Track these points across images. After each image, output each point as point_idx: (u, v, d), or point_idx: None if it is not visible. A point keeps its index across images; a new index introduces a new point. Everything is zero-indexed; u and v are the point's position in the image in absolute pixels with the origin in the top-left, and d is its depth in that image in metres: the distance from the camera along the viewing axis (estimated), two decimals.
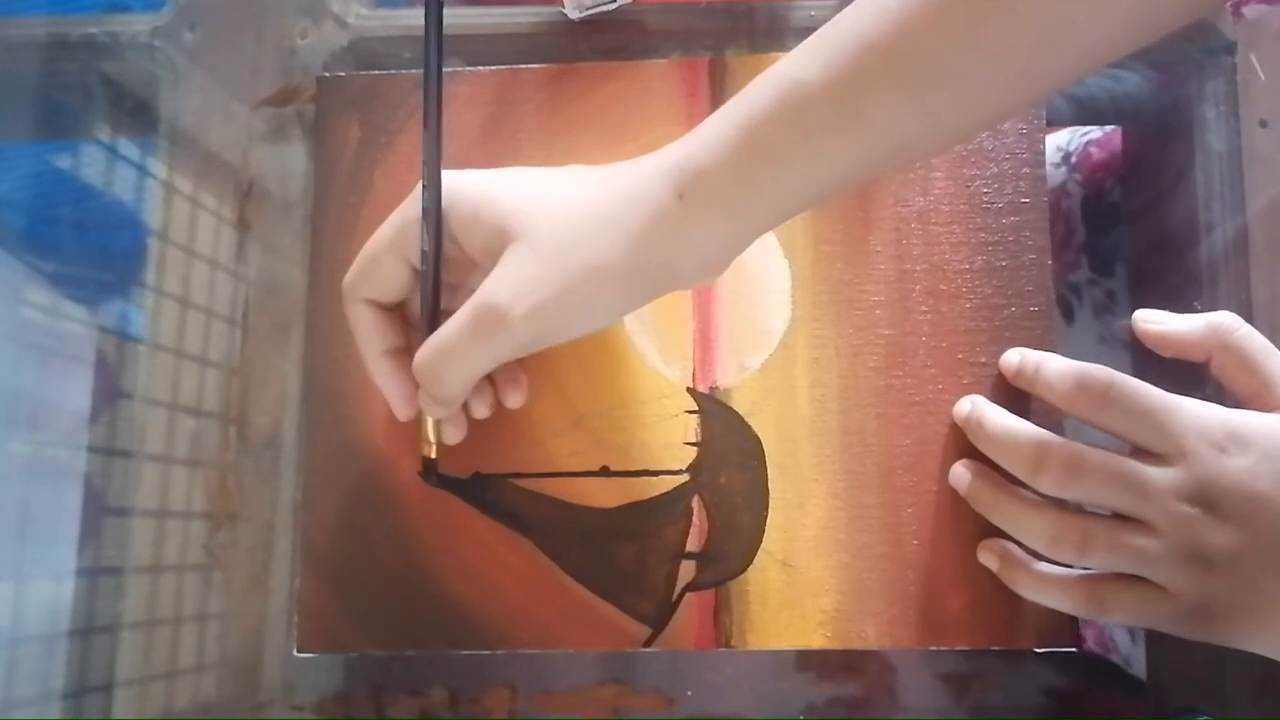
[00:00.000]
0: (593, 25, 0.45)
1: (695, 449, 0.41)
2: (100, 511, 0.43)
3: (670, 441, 0.41)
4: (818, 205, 0.35)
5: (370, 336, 0.38)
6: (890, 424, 0.41)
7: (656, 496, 0.41)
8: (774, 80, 0.32)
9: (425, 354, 0.35)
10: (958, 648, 0.40)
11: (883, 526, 0.40)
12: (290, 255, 0.44)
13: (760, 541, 0.40)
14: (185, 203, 0.45)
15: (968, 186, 0.42)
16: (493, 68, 0.44)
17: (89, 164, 0.48)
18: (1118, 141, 0.50)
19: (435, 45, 0.35)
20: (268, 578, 0.42)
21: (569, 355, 0.42)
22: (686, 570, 0.40)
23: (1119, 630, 0.43)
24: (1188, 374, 0.39)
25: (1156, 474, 0.34)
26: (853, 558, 0.40)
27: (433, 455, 0.39)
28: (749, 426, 0.41)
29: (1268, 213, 0.43)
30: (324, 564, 0.41)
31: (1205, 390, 0.39)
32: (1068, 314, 0.49)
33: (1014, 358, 0.40)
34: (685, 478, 0.41)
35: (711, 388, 0.42)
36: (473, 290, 0.34)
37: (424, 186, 0.35)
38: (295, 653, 0.41)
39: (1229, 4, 0.33)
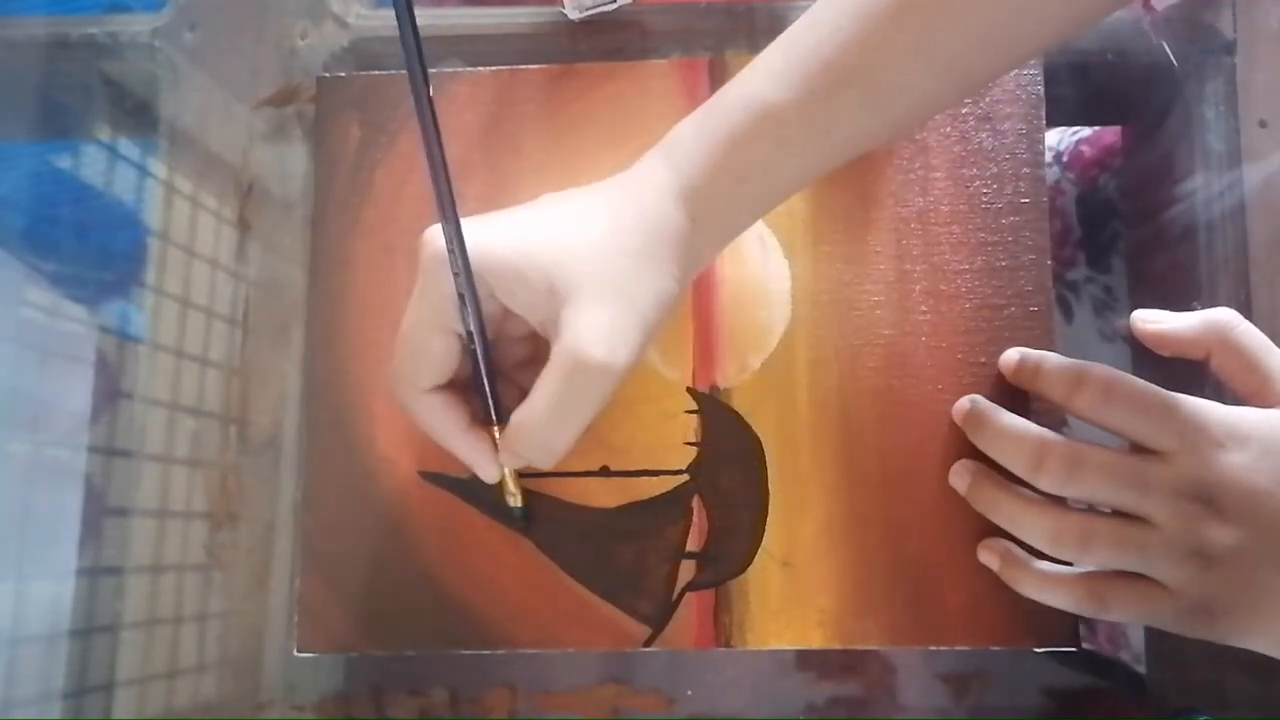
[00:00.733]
0: (593, 25, 0.45)
1: (695, 449, 0.41)
2: (100, 511, 0.44)
3: (670, 441, 0.41)
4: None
5: (449, 421, 0.36)
6: (890, 424, 0.41)
7: (656, 496, 0.41)
8: (744, 103, 0.34)
9: (525, 427, 0.34)
10: (958, 647, 0.40)
11: (883, 526, 0.40)
12: (290, 255, 0.44)
13: (760, 541, 0.40)
14: (185, 203, 0.46)
15: (967, 187, 0.42)
16: (493, 68, 0.44)
17: (89, 164, 0.48)
18: (1108, 138, 0.50)
19: (427, 107, 0.33)
20: (268, 578, 0.42)
21: None
22: (686, 570, 0.40)
23: (1134, 628, 0.43)
24: (1187, 371, 0.39)
25: (1156, 470, 0.35)
26: (853, 558, 0.40)
27: (519, 503, 0.39)
28: (749, 426, 0.41)
29: (1268, 213, 0.43)
30: (324, 564, 0.41)
31: (1205, 388, 0.39)
32: (1067, 312, 0.49)
33: (1014, 357, 0.40)
34: (685, 478, 0.41)
35: (711, 388, 0.42)
36: (511, 340, 0.37)
37: (449, 252, 0.33)
38: (295, 653, 0.41)
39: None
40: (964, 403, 0.40)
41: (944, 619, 0.40)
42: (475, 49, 0.45)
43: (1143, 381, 0.36)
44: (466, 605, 0.41)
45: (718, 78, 0.44)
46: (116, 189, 0.47)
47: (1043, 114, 0.42)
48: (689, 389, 0.42)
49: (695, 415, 0.42)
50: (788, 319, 0.42)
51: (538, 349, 0.37)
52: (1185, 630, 0.35)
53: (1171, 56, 0.43)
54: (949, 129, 0.43)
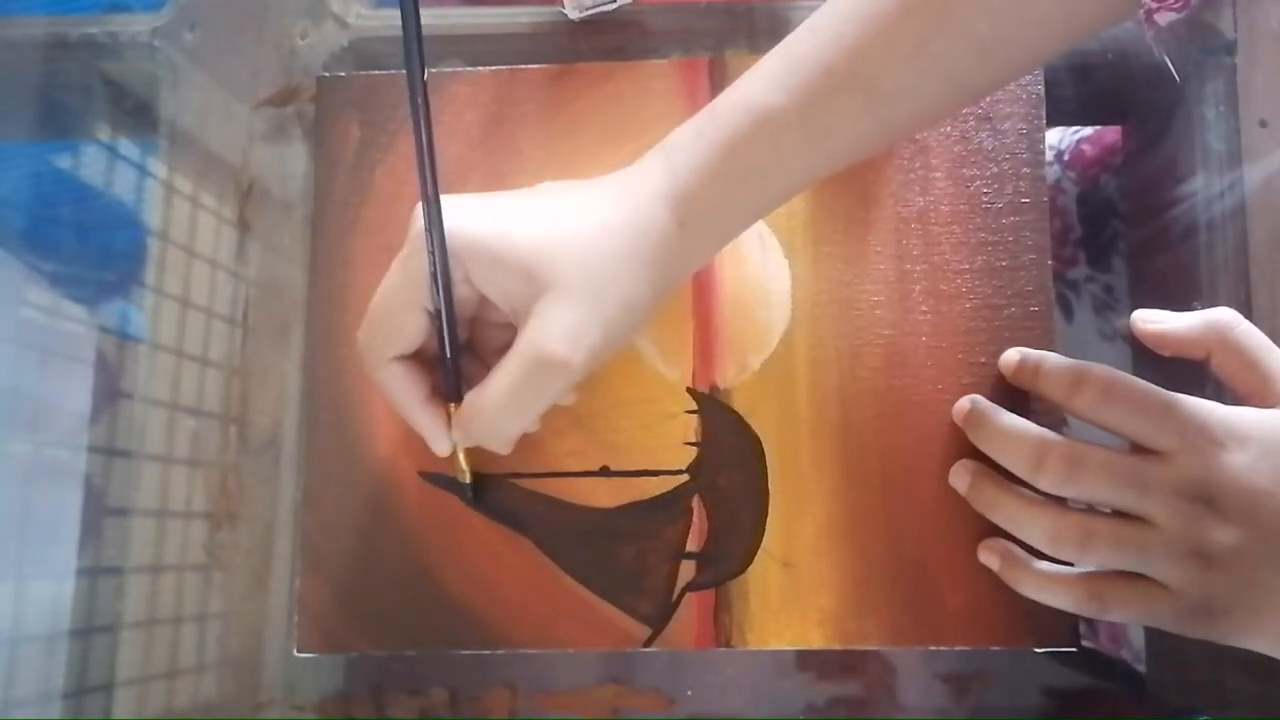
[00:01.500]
0: (593, 25, 0.45)
1: (695, 449, 0.41)
2: (100, 511, 0.44)
3: (670, 441, 0.41)
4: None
5: (408, 391, 0.37)
6: (890, 424, 0.41)
7: (656, 496, 0.41)
8: (745, 108, 0.34)
9: (479, 409, 0.35)
10: (958, 647, 0.40)
11: (883, 526, 0.40)
12: (290, 255, 0.44)
13: (760, 541, 0.40)
14: (185, 203, 0.46)
15: (968, 187, 0.42)
16: (493, 68, 0.44)
17: (89, 164, 0.48)
18: (1109, 137, 0.50)
19: (422, 102, 0.34)
20: (268, 578, 0.42)
21: None
22: (686, 570, 0.40)
23: (1134, 628, 0.43)
24: (1187, 371, 0.39)
25: (1156, 470, 0.35)
26: (853, 558, 0.40)
27: (468, 479, 0.40)
28: (749, 426, 0.41)
29: (1268, 212, 0.43)
30: (324, 564, 0.41)
31: (1205, 388, 0.39)
32: (1067, 311, 0.49)
33: (1014, 357, 0.40)
34: (685, 478, 0.41)
35: (711, 388, 0.42)
36: (490, 324, 0.37)
37: (429, 242, 0.34)
38: (295, 653, 0.41)
39: (1143, 12, 0.34)
40: (964, 403, 0.40)
41: (944, 619, 0.40)
42: (475, 49, 0.45)
43: (1143, 381, 0.36)
44: (466, 605, 0.40)
45: (718, 78, 0.44)
46: (116, 189, 0.47)
47: (1043, 114, 0.42)
48: (689, 389, 0.42)
49: (695, 415, 0.42)
50: (788, 319, 0.42)
51: (516, 336, 0.38)
52: (1185, 630, 0.35)
53: (1173, 70, 0.43)
54: (949, 129, 0.43)
